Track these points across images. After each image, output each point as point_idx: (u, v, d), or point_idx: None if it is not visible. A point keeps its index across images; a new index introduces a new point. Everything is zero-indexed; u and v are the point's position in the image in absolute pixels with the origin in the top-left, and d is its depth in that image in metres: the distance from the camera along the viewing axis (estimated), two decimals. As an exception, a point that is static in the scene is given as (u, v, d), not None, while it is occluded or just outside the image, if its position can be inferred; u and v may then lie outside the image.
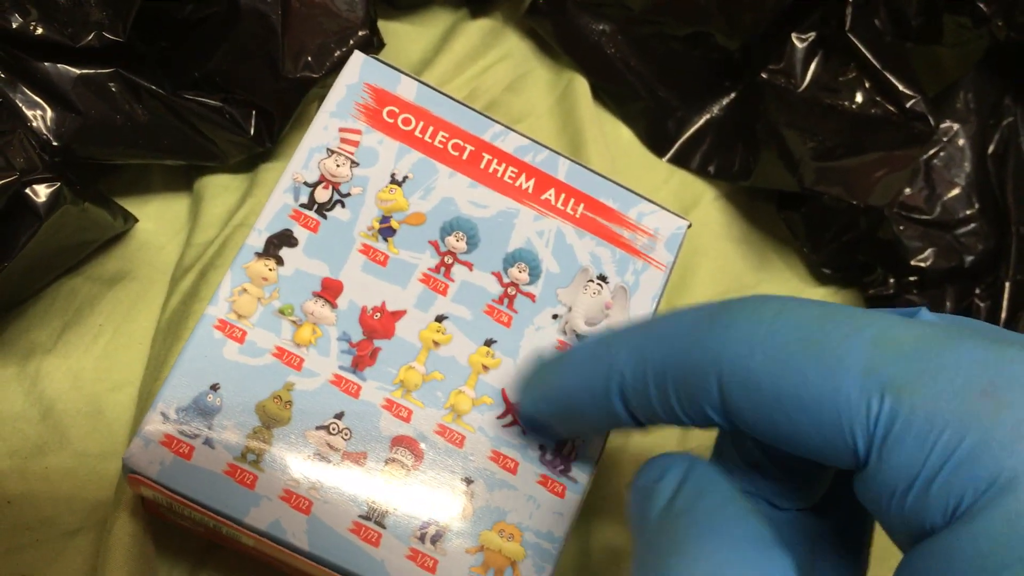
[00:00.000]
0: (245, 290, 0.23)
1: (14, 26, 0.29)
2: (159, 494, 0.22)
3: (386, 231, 0.25)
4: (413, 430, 0.23)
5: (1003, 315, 0.36)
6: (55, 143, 0.30)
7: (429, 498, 0.23)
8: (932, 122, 0.34)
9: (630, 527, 0.20)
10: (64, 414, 0.30)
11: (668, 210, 0.27)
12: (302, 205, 0.24)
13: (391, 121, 0.26)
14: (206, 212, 0.33)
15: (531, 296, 0.25)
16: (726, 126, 0.38)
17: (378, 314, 0.24)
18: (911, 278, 0.36)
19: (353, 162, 0.25)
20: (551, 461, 0.24)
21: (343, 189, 0.25)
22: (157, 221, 0.34)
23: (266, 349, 0.23)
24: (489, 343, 0.24)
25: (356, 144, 0.25)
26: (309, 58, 0.32)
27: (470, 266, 0.25)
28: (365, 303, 0.24)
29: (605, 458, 0.25)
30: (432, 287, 0.24)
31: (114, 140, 0.31)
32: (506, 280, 0.25)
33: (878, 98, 0.35)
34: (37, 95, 0.30)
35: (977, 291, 0.36)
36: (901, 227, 0.36)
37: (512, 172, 0.26)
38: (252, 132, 0.32)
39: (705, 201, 0.38)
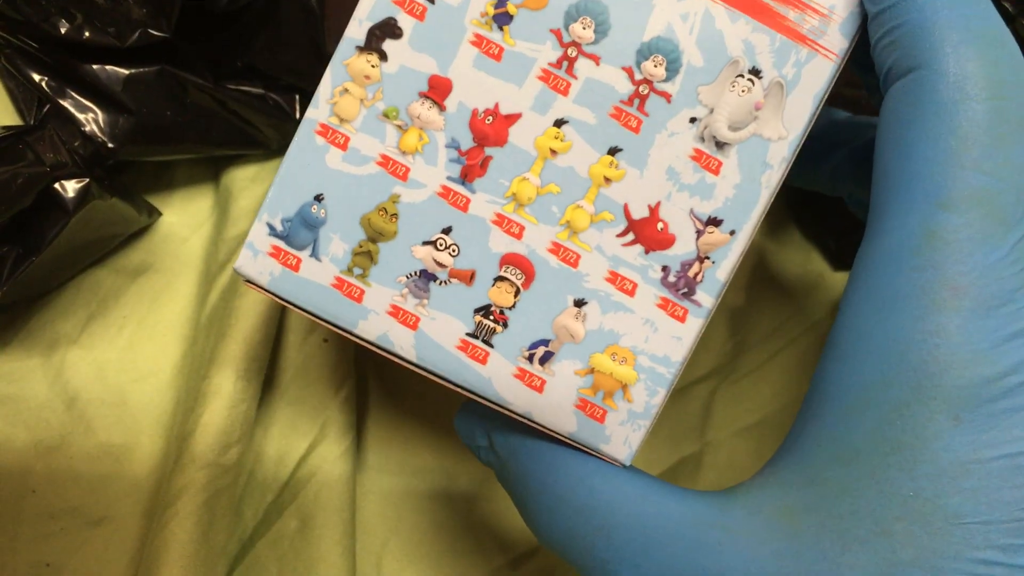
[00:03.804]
0: (347, 90, 0.21)
1: (63, 32, 0.29)
2: (273, 299, 0.22)
3: (501, 17, 0.21)
4: (524, 248, 0.22)
5: None
6: (111, 145, 0.30)
7: (538, 319, 0.22)
8: None
9: None
10: (88, 404, 0.31)
11: None
12: (406, -13, 0.21)
13: None
14: (235, 206, 0.32)
15: (666, 96, 0.22)
16: None
17: (490, 117, 0.22)
18: None
19: (464, -69, 0.21)
20: (674, 283, 0.22)
21: (453, -34, 0.21)
22: (180, 214, 0.33)
23: (370, 157, 0.22)
24: (613, 151, 0.22)
25: (467, -92, 0.21)
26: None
27: (597, 60, 0.22)
28: (476, 105, 0.22)
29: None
30: (552, 85, 0.22)
31: (166, 137, 0.32)
32: (638, 76, 0.22)
33: None
34: (87, 99, 0.30)
35: None
36: None
37: (655, -62, 0.21)
38: (296, 116, 0.33)
39: None
